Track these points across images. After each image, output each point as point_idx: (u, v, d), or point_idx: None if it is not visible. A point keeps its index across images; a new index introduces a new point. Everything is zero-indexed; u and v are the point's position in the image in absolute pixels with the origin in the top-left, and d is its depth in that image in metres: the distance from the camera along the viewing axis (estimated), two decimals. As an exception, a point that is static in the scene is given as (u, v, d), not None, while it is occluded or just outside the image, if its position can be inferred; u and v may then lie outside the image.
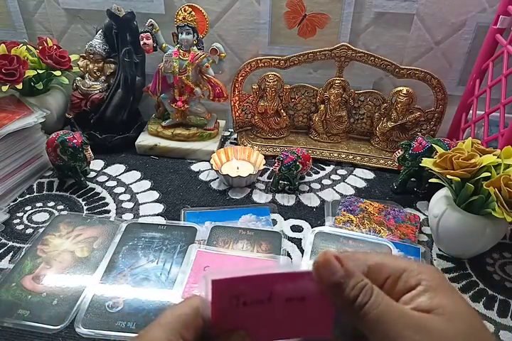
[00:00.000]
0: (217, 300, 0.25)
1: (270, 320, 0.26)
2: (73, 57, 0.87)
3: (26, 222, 0.68)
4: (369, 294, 0.25)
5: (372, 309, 0.24)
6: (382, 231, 0.66)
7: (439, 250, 0.65)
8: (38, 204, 0.71)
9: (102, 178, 0.78)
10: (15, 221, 0.68)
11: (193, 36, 0.78)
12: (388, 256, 0.29)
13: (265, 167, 0.80)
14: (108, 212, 0.70)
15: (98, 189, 0.76)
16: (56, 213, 0.69)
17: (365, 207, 0.70)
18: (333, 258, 0.25)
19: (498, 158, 0.56)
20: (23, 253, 0.61)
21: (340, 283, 0.25)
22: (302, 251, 0.63)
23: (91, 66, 0.85)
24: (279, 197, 0.75)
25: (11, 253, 0.62)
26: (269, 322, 0.26)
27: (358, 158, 0.84)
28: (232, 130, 0.93)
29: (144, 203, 0.72)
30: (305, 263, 0.60)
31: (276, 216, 0.70)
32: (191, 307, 0.27)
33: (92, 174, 0.79)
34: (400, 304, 0.25)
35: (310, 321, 0.27)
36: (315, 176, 0.81)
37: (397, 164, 0.77)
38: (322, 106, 0.85)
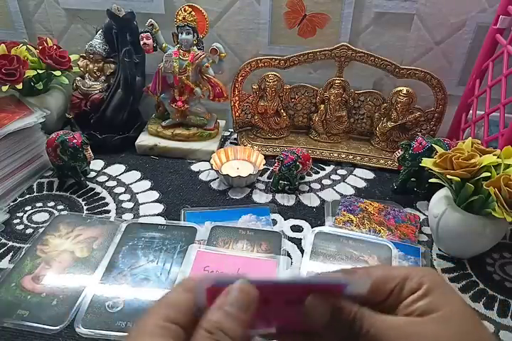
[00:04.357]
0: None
1: (267, 315, 0.27)
2: (73, 57, 0.87)
3: (26, 222, 0.68)
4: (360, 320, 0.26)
5: (367, 330, 0.26)
6: (382, 231, 0.66)
7: (439, 250, 0.65)
8: (38, 204, 0.71)
9: (102, 178, 0.78)
10: (15, 221, 0.68)
11: (193, 36, 0.78)
12: (389, 267, 0.30)
13: (265, 167, 0.80)
14: (108, 212, 0.70)
15: (98, 189, 0.76)
16: (56, 213, 0.69)
17: (365, 207, 0.70)
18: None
19: (498, 158, 0.56)
20: (22, 253, 0.61)
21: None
22: (302, 251, 0.63)
23: (91, 66, 0.85)
24: (279, 197, 0.75)
25: (10, 253, 0.62)
26: (265, 316, 0.27)
27: (358, 158, 0.84)
28: (232, 130, 0.93)
29: (143, 203, 0.72)
30: (303, 272, 0.59)
31: (276, 216, 0.70)
32: (184, 292, 0.27)
33: (92, 174, 0.79)
34: (390, 316, 0.27)
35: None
36: (315, 176, 0.81)
37: (397, 164, 0.77)
38: (322, 106, 0.85)
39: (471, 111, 0.79)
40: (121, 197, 0.74)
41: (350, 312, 0.26)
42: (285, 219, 0.69)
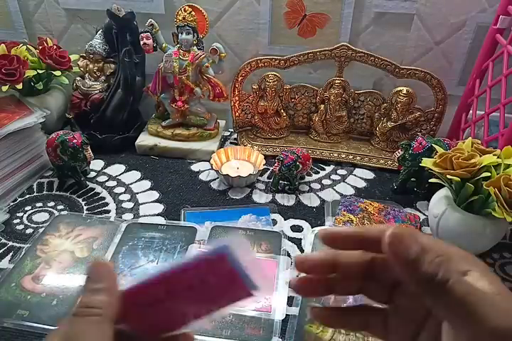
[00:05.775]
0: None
1: (180, 304, 0.26)
2: (73, 57, 0.87)
3: (26, 222, 0.68)
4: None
5: (455, 287, 0.22)
6: (382, 231, 0.66)
7: (439, 250, 0.64)
8: (38, 204, 0.71)
9: (102, 178, 0.78)
10: (15, 221, 0.68)
11: (193, 36, 0.78)
12: (435, 240, 0.27)
13: (265, 167, 0.80)
14: (108, 212, 0.70)
15: (98, 189, 0.76)
16: (56, 213, 0.69)
17: (365, 207, 0.70)
18: (407, 234, 0.24)
19: (498, 158, 0.56)
20: (22, 253, 0.61)
21: (416, 258, 0.23)
22: (302, 251, 0.63)
23: (91, 66, 0.85)
24: (279, 197, 0.75)
25: (10, 253, 0.62)
26: (179, 305, 0.26)
27: (358, 158, 0.84)
28: (232, 130, 0.93)
29: (144, 203, 0.72)
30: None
31: (276, 216, 0.70)
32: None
33: (92, 174, 0.79)
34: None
35: (224, 289, 0.26)
36: (315, 176, 0.81)
37: (397, 164, 0.77)
38: (322, 106, 0.85)
39: (471, 111, 0.79)
40: (121, 197, 0.74)
41: (431, 261, 0.23)
42: (285, 219, 0.69)
